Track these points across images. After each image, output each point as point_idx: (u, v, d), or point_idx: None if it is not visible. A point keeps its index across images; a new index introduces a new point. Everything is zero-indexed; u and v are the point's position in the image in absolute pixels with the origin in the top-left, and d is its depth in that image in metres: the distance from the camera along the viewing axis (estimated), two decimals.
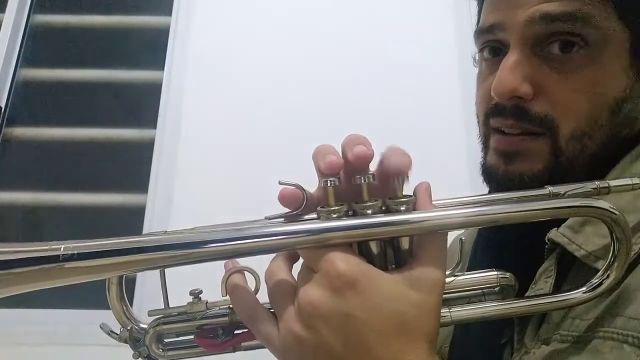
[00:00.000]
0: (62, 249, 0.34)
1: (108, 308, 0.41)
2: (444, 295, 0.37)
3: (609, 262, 0.37)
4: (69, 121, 1.85)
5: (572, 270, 0.42)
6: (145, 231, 1.62)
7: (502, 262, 0.44)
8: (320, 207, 0.37)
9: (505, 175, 0.46)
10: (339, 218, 0.36)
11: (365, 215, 0.36)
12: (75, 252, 0.34)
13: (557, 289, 0.41)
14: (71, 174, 1.81)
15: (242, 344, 0.40)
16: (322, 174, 0.37)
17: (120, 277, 0.40)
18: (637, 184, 0.39)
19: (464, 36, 1.81)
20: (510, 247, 0.48)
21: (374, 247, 0.36)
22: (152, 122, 1.76)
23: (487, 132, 0.50)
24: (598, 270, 0.38)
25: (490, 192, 0.50)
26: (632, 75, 0.44)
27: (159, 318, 0.41)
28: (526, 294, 0.43)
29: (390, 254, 0.37)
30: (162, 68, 1.82)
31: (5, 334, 1.48)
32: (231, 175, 1.64)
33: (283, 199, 0.38)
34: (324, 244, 0.35)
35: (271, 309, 0.38)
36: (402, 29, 1.85)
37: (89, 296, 1.42)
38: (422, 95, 1.76)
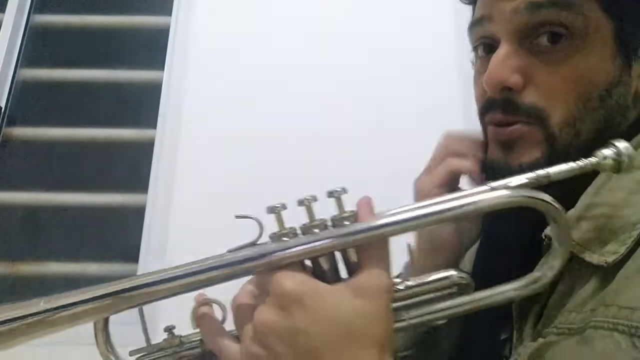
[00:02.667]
0: (41, 304, 0.39)
1: None
2: (402, 303, 0.40)
3: (547, 255, 0.39)
4: (69, 121, 1.85)
5: (568, 265, 0.42)
6: (145, 231, 1.62)
7: (503, 266, 0.45)
8: (272, 234, 0.39)
9: (506, 167, 0.47)
10: (286, 240, 0.39)
11: (310, 234, 0.38)
12: (50, 306, 0.38)
13: (554, 284, 0.42)
14: (71, 174, 1.81)
15: None
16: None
17: (105, 323, 0.42)
18: (583, 166, 0.39)
19: (464, 35, 1.81)
20: (511, 250, 0.49)
21: (323, 263, 0.39)
22: (152, 122, 1.76)
23: (485, 129, 0.51)
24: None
25: None
26: (617, 63, 0.45)
27: (141, 357, 0.44)
28: None
29: (332, 272, 0.40)
30: (162, 68, 1.82)
31: None
32: (231, 175, 1.64)
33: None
34: (276, 266, 0.38)
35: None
36: (402, 27, 1.85)
37: None
38: (422, 95, 1.76)
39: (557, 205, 0.37)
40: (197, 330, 0.43)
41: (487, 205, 0.38)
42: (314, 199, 0.40)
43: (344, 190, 0.39)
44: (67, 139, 1.83)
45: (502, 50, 0.46)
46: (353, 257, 0.39)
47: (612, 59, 0.45)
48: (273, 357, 0.35)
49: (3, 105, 1.81)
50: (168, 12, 1.90)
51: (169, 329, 0.44)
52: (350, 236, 0.37)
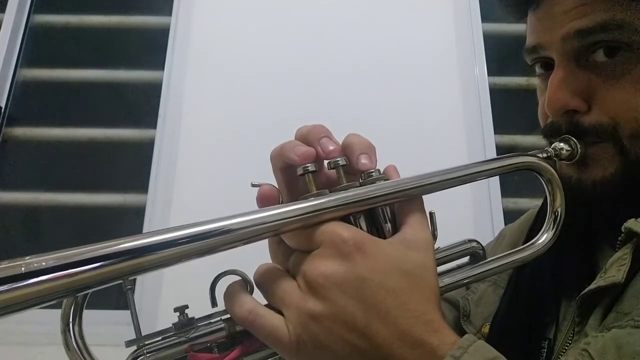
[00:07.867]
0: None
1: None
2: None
3: (548, 216, 0.42)
4: (69, 121, 1.85)
5: None
6: (145, 231, 1.62)
7: (561, 259, 0.47)
8: (303, 196, 0.37)
9: (577, 184, 0.47)
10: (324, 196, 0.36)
11: (350, 190, 0.37)
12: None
13: (630, 276, 0.41)
14: (71, 174, 1.81)
15: (244, 358, 0.36)
16: (296, 164, 0.39)
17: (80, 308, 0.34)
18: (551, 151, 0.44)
19: (464, 33, 1.81)
20: (570, 246, 0.49)
21: (363, 223, 0.37)
22: (152, 122, 1.76)
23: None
24: None
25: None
26: None
27: (140, 348, 0.34)
28: (595, 282, 0.42)
29: (374, 231, 0.38)
30: (162, 68, 1.82)
31: (6, 333, 1.48)
32: (231, 175, 1.64)
33: (261, 200, 0.39)
34: (317, 221, 0.35)
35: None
36: (402, 27, 1.85)
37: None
38: (422, 92, 1.76)
39: (541, 161, 0.43)
40: (215, 310, 0.36)
41: (490, 173, 0.43)
42: (345, 161, 0.38)
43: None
44: (67, 139, 1.84)
45: (558, 74, 0.46)
46: (388, 217, 0.38)
47: None
48: (336, 311, 0.32)
49: (3, 105, 1.81)
50: (168, 12, 1.90)
51: (181, 309, 0.36)
52: (393, 193, 0.37)
